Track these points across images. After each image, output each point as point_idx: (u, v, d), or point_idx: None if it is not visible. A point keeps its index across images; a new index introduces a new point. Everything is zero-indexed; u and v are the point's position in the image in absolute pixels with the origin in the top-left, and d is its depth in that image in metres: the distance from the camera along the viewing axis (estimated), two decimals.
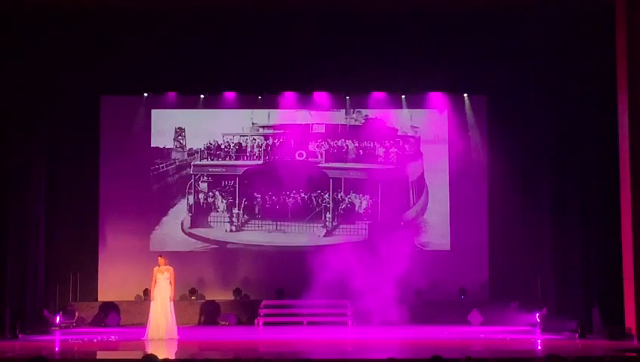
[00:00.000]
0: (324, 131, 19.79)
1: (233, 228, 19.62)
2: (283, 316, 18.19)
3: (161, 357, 10.32)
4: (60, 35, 17.23)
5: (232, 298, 19.16)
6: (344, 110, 19.85)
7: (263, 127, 19.80)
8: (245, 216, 19.62)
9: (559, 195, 17.46)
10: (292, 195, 19.57)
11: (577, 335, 15.46)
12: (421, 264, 18.03)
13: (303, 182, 19.40)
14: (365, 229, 19.57)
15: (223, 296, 19.27)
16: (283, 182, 19.23)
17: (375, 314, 17.31)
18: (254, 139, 19.78)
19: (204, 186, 19.67)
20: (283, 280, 18.95)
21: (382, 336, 15.80)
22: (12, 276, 16.84)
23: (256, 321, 18.14)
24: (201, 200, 19.67)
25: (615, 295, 15.32)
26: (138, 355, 8.69)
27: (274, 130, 19.80)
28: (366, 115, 19.85)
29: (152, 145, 19.69)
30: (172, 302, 15.57)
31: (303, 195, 19.61)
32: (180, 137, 19.73)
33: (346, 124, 19.87)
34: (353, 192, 19.71)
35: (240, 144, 19.78)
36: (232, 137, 19.77)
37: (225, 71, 18.40)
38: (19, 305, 16.78)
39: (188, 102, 19.64)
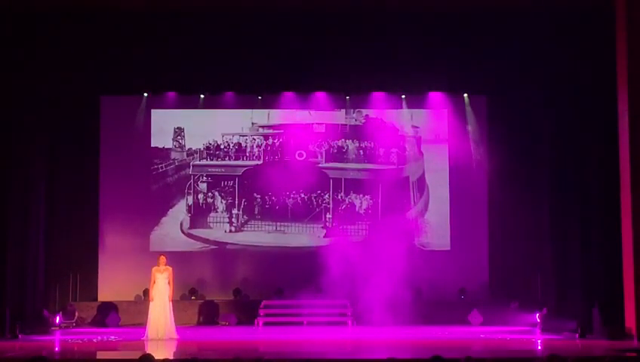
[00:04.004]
0: (324, 131, 19.78)
1: (233, 228, 19.60)
2: (283, 316, 18.17)
3: (160, 357, 10.34)
4: (60, 35, 17.24)
5: (232, 298, 19.15)
6: (344, 110, 19.85)
7: (263, 127, 19.79)
8: (245, 217, 19.61)
9: (559, 195, 17.46)
10: (292, 196, 19.56)
11: (577, 335, 15.46)
12: (421, 264, 18.01)
13: (302, 182, 19.37)
14: (365, 230, 19.56)
15: (222, 296, 19.26)
16: (283, 182, 19.18)
17: (375, 314, 17.28)
18: (254, 139, 19.77)
19: (203, 186, 19.66)
20: (283, 280, 18.94)
21: (382, 336, 15.79)
22: (12, 276, 16.84)
23: (256, 321, 18.13)
24: (201, 201, 19.65)
25: (615, 295, 15.31)
26: (138, 355, 8.67)
27: (274, 130, 19.80)
28: (366, 115, 19.84)
29: (151, 145, 19.69)
30: (171, 302, 15.58)
31: (302, 196, 19.59)
32: (179, 137, 19.73)
33: (346, 124, 19.87)
34: (353, 192, 19.69)
35: (240, 144, 19.77)
36: (231, 137, 19.76)
37: (225, 71, 18.39)
38: (19, 305, 16.78)
39: (188, 102, 19.62)
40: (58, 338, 16.13)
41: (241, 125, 19.79)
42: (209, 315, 18.85)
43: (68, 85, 18.30)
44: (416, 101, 19.65)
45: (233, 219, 19.61)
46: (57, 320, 17.78)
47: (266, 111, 19.77)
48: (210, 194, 19.67)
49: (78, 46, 17.42)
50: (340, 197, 19.67)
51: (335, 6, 17.02)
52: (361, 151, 19.78)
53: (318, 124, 19.73)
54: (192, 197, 19.64)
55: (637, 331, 14.66)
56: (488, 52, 17.55)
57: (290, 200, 19.56)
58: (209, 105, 19.69)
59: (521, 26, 17.03)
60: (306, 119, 19.74)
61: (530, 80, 17.99)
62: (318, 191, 19.64)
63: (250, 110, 19.76)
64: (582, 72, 16.69)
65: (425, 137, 19.85)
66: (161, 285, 15.50)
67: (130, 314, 18.47)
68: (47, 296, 18.16)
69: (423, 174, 19.85)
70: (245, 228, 19.63)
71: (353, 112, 19.87)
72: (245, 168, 19.73)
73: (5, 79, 16.90)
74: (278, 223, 19.60)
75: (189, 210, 19.63)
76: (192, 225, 19.62)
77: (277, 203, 19.55)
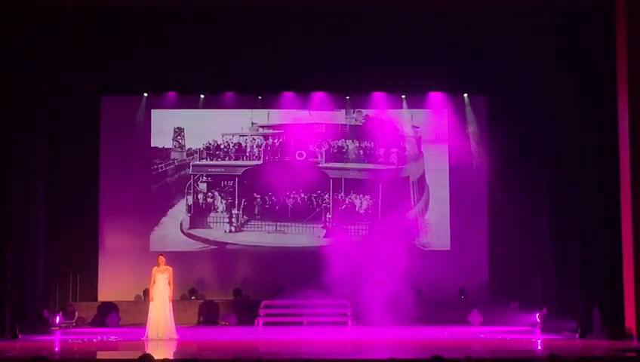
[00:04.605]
0: (324, 131, 19.78)
1: (232, 228, 19.60)
2: (283, 316, 18.17)
3: (160, 357, 10.34)
4: (60, 35, 17.23)
5: (232, 298, 19.15)
6: (344, 110, 19.84)
7: (263, 126, 19.79)
8: (245, 217, 19.61)
9: (559, 195, 17.45)
10: (292, 196, 19.55)
11: (577, 335, 15.45)
12: (421, 264, 18.00)
13: (302, 182, 19.36)
14: (365, 230, 19.56)
15: (222, 296, 19.27)
16: (283, 182, 19.17)
17: (375, 314, 17.28)
18: (254, 139, 19.77)
19: (203, 187, 19.66)
20: (283, 280, 18.93)
21: (382, 336, 15.79)
22: (12, 276, 16.83)
23: (256, 321, 18.13)
24: (201, 201, 19.65)
25: (615, 295, 15.31)
26: (138, 355, 8.66)
27: (274, 130, 19.80)
28: (366, 115, 19.84)
29: (151, 145, 19.68)
30: (171, 302, 15.57)
31: (302, 196, 19.59)
32: (178, 137, 19.72)
33: (346, 124, 19.86)
34: (353, 192, 19.69)
35: (239, 144, 19.76)
36: (231, 137, 19.76)
37: (225, 71, 18.40)
38: (19, 305, 16.77)
39: (188, 102, 19.62)
40: (58, 338, 16.13)
41: (241, 125, 19.79)
42: (209, 315, 18.85)
43: (68, 85, 18.30)
44: (416, 101, 19.65)
45: (233, 219, 19.61)
46: (57, 320, 17.78)
47: (266, 111, 19.77)
48: (210, 194, 19.66)
49: (78, 46, 17.42)
50: (340, 197, 19.67)
51: (335, 6, 17.01)
52: (361, 151, 19.78)
53: (318, 124, 19.73)
54: (191, 197, 19.64)
55: (637, 331, 14.66)
56: (488, 52, 17.54)
57: (290, 200, 19.56)
58: (209, 105, 19.68)
59: (521, 26, 17.03)
60: (306, 119, 19.73)
61: (530, 80, 17.99)
62: (318, 191, 19.64)
63: (250, 110, 19.76)
64: (582, 72, 16.68)
65: (425, 137, 19.85)
66: (162, 285, 15.50)
67: (130, 314, 18.48)
68: (47, 296, 18.16)
69: (423, 174, 19.85)
70: (245, 228, 19.63)
71: (353, 112, 19.87)
72: (245, 168, 19.72)
73: (5, 79, 16.89)
74: (278, 223, 19.60)
75: (188, 210, 19.63)
76: (192, 225, 19.62)
77: (277, 203, 19.55)
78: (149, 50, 17.67)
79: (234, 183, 19.68)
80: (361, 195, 19.67)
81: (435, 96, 19.57)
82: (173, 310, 15.68)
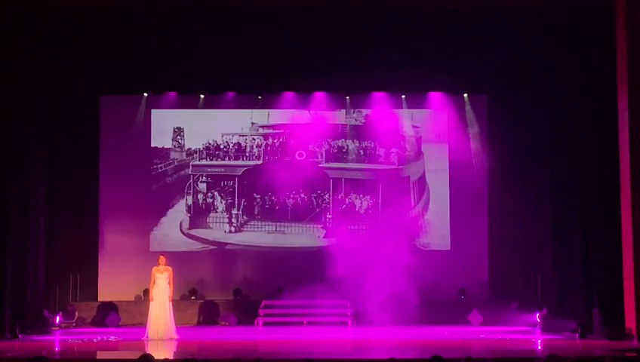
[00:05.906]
0: (324, 131, 19.77)
1: (232, 228, 19.59)
2: (283, 316, 18.17)
3: (160, 357, 10.35)
4: (60, 35, 17.23)
5: (232, 298, 19.15)
6: (344, 110, 19.84)
7: (263, 126, 19.79)
8: (244, 217, 19.61)
9: (559, 195, 17.45)
10: (292, 196, 19.55)
11: (577, 335, 15.46)
12: (421, 264, 18.00)
13: (302, 182, 19.36)
14: (365, 230, 19.55)
15: (222, 296, 19.27)
16: (283, 182, 19.17)
17: (375, 314, 17.28)
18: (254, 139, 19.77)
19: (202, 187, 19.65)
20: (283, 280, 18.91)
21: (382, 336, 15.80)
22: (12, 276, 16.81)
23: (256, 321, 18.13)
24: (200, 201, 19.65)
25: (615, 295, 15.32)
26: (138, 355, 8.67)
27: (273, 130, 19.80)
28: (366, 115, 19.83)
29: (151, 145, 19.68)
30: (171, 302, 15.57)
31: (302, 196, 19.59)
32: (178, 137, 19.72)
33: (346, 124, 19.86)
34: (353, 193, 19.68)
35: (239, 144, 19.76)
36: (231, 137, 19.76)
37: (225, 71, 18.40)
38: (19, 305, 16.76)
39: (188, 102, 19.63)
40: (58, 338, 16.13)
41: (241, 125, 19.79)
42: (209, 315, 18.85)
43: (68, 85, 18.30)
44: (416, 101, 19.65)
45: (233, 220, 19.60)
46: (57, 320, 17.78)
47: (266, 111, 19.77)
48: (209, 194, 19.66)
49: (78, 46, 17.42)
50: (340, 197, 19.66)
51: (335, 6, 17.01)
52: (361, 151, 19.78)
53: (318, 123, 19.72)
54: (191, 197, 19.63)
55: (637, 331, 14.66)
56: (488, 52, 17.55)
57: (290, 200, 19.56)
58: (209, 105, 19.68)
59: (521, 26, 17.03)
60: (306, 119, 19.73)
61: (530, 80, 17.99)
62: (318, 191, 19.64)
63: (250, 110, 19.76)
64: (582, 72, 16.68)
65: (425, 137, 19.85)
66: (162, 285, 15.50)
67: (130, 314, 18.49)
68: (47, 296, 18.13)
69: (424, 174, 19.85)
70: (245, 229, 19.63)
71: (353, 112, 19.87)
72: (245, 168, 19.72)
73: (5, 79, 16.87)
74: (278, 223, 19.60)
75: (188, 210, 19.63)
76: (192, 226, 19.62)
77: (277, 203, 19.55)
78: (149, 50, 17.67)
79: (234, 183, 19.68)
80: (361, 195, 19.67)
81: (435, 96, 19.57)
82: (173, 310, 15.68)
